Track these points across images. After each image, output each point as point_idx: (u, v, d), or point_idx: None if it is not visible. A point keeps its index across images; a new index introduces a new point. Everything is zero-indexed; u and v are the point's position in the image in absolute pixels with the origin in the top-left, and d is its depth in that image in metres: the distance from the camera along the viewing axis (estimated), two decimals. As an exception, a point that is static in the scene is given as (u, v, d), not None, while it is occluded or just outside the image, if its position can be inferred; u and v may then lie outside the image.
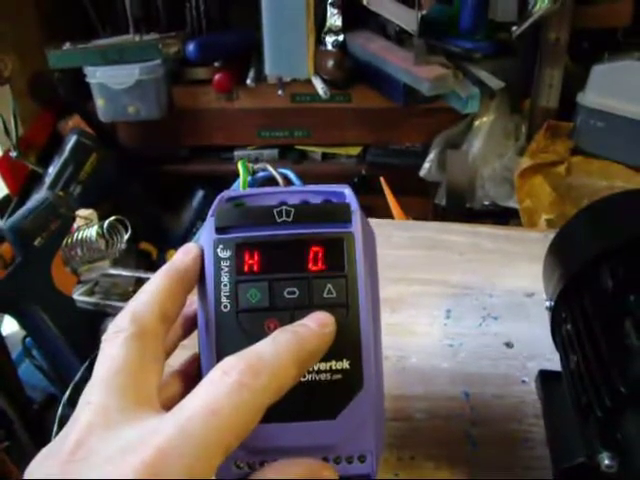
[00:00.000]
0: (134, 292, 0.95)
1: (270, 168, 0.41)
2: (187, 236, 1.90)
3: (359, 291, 0.35)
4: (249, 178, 0.41)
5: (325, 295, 0.35)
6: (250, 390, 0.28)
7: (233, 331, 0.35)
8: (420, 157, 1.66)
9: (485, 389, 0.58)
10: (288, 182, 0.41)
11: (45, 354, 0.98)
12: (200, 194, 1.91)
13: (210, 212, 0.37)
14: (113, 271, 1.08)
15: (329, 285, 0.35)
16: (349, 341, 0.35)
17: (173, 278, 0.35)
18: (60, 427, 0.85)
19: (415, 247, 0.83)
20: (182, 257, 0.36)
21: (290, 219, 0.36)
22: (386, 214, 1.53)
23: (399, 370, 0.61)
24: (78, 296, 1.02)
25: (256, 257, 0.36)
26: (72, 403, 0.81)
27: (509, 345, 0.64)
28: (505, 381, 0.59)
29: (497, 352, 0.63)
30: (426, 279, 0.76)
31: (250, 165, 0.42)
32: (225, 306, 0.35)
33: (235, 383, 0.28)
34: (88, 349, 0.95)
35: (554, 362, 0.48)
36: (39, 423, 0.95)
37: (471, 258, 0.80)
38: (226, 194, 0.39)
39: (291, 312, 0.35)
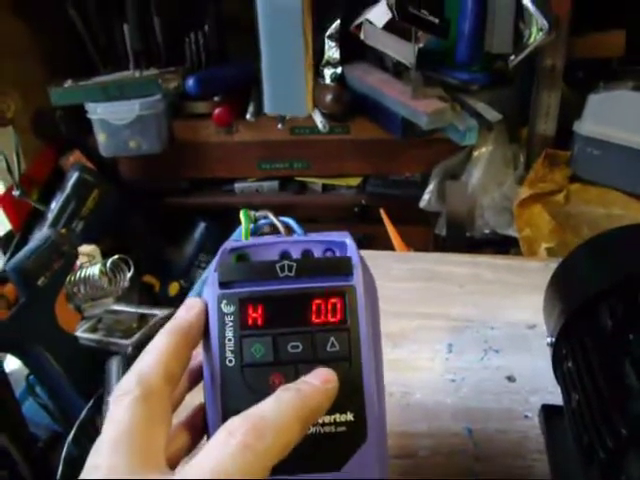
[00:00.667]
0: (138, 328, 0.95)
1: (272, 216, 0.41)
2: (189, 268, 1.90)
3: (361, 344, 0.36)
4: (251, 226, 0.42)
5: (328, 349, 0.36)
6: (254, 452, 0.28)
7: (238, 386, 0.35)
8: (419, 187, 1.67)
9: (488, 424, 0.58)
10: (290, 230, 0.42)
11: (48, 392, 0.98)
12: (202, 226, 1.91)
13: (213, 266, 0.38)
14: (116, 307, 1.09)
15: (332, 338, 0.36)
16: (352, 393, 0.35)
17: (177, 337, 0.35)
18: (65, 467, 0.85)
19: (415, 279, 0.84)
20: (185, 314, 0.37)
21: (292, 274, 0.37)
22: (387, 244, 1.54)
23: (403, 406, 0.61)
24: (81, 333, 1.02)
25: (260, 311, 0.36)
26: (77, 442, 0.81)
27: (511, 379, 0.64)
28: (508, 416, 0.59)
29: (499, 386, 0.63)
30: (427, 313, 0.76)
31: (252, 213, 0.42)
32: (230, 361, 0.36)
33: (240, 445, 0.28)
34: (91, 387, 0.95)
35: (556, 395, 0.48)
36: (43, 462, 0.94)
37: (471, 290, 0.80)
38: (229, 245, 0.40)
39: (295, 366, 0.35)
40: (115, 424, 0.30)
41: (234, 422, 0.30)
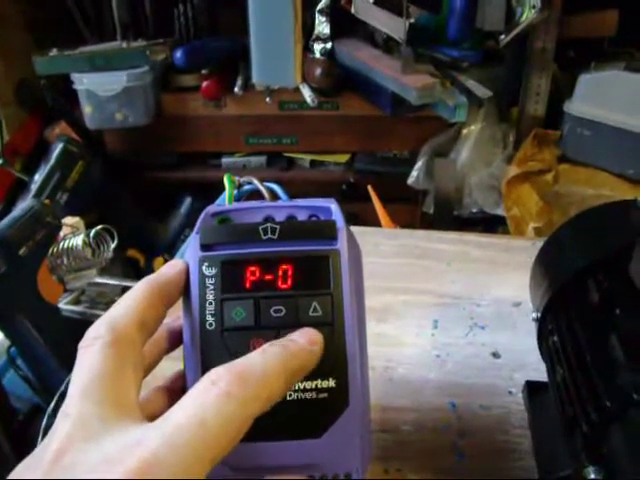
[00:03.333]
0: (120, 301, 0.93)
1: (256, 182, 0.40)
2: (175, 243, 1.89)
3: (345, 309, 0.35)
4: (235, 191, 0.41)
5: (311, 313, 0.35)
6: (238, 400, 0.28)
7: (218, 350, 0.35)
8: (408, 165, 1.66)
9: (472, 400, 0.57)
10: (274, 196, 0.41)
11: (30, 364, 0.97)
12: (188, 201, 1.90)
13: (195, 229, 0.37)
14: (100, 280, 1.08)
15: (315, 303, 0.35)
16: (335, 359, 0.34)
17: (153, 288, 0.34)
18: (45, 438, 0.84)
19: (402, 256, 0.83)
20: (166, 270, 0.36)
21: (276, 236, 0.36)
22: (374, 221, 1.53)
23: (386, 381, 0.60)
24: (64, 305, 1.01)
25: (241, 274, 0.36)
26: (57, 413, 0.80)
27: (496, 355, 0.64)
28: (492, 392, 0.58)
29: (484, 362, 0.63)
30: (413, 288, 0.76)
31: (236, 178, 0.41)
32: (210, 324, 0.35)
33: (223, 393, 0.28)
34: (73, 359, 0.94)
35: (541, 372, 0.48)
36: (23, 434, 0.94)
37: (458, 267, 0.80)
38: (211, 209, 0.39)
39: (277, 331, 0.35)
40: (84, 370, 0.29)
41: (217, 371, 0.29)
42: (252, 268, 0.36)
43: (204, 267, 0.36)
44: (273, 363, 0.30)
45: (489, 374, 0.61)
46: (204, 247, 0.36)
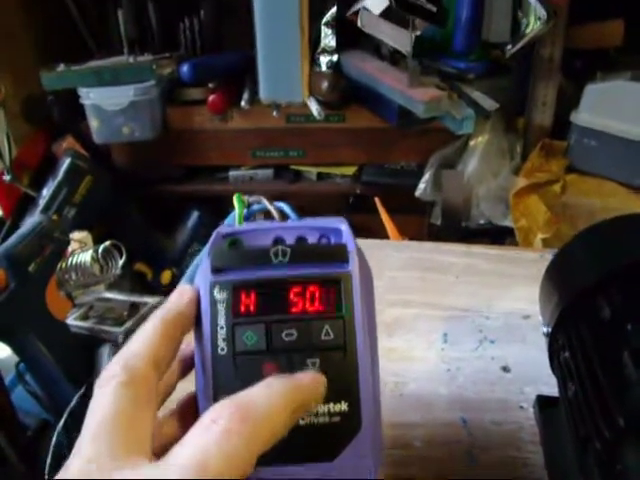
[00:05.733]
0: (129, 316, 0.95)
1: (265, 201, 0.40)
2: (182, 256, 1.89)
3: (357, 332, 0.35)
4: (244, 211, 0.41)
5: (323, 337, 0.35)
6: (240, 437, 0.28)
7: (230, 374, 0.35)
8: (415, 176, 1.66)
9: (483, 415, 0.57)
10: (284, 215, 0.41)
11: (38, 380, 0.97)
12: (195, 214, 1.91)
13: (206, 251, 0.37)
14: (108, 295, 1.08)
15: (327, 327, 0.35)
16: (347, 383, 0.34)
17: (167, 323, 0.34)
18: (54, 455, 0.84)
19: (411, 268, 0.83)
20: (176, 300, 0.36)
21: (286, 260, 0.36)
22: (382, 233, 1.53)
23: (397, 397, 0.60)
24: (72, 320, 1.01)
25: (253, 298, 0.36)
26: (66, 430, 0.80)
27: (506, 369, 0.63)
28: (503, 406, 0.58)
29: (494, 377, 0.62)
30: (422, 302, 0.75)
31: (245, 198, 0.41)
32: (222, 349, 0.35)
33: (224, 430, 0.28)
34: (82, 375, 0.94)
35: (551, 386, 0.48)
36: (32, 450, 0.94)
37: (467, 280, 0.79)
38: (222, 230, 0.39)
39: (289, 355, 0.35)
40: (98, 409, 0.30)
41: (219, 407, 0.29)
42: (263, 292, 0.36)
43: (215, 291, 0.36)
44: (277, 398, 0.30)
45: (500, 388, 0.60)
46: (215, 271, 0.36)
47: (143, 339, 0.33)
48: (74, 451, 0.28)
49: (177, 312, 0.35)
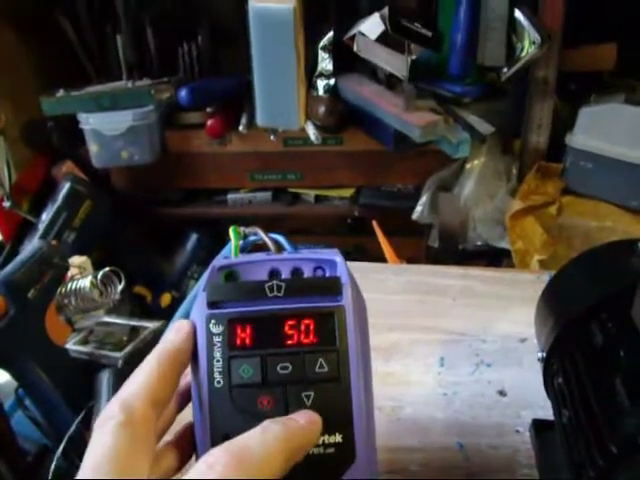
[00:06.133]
0: (129, 341, 0.95)
1: (261, 233, 0.41)
2: (181, 279, 1.90)
3: (350, 364, 0.36)
4: (240, 242, 0.42)
5: (317, 369, 0.35)
6: None
7: (226, 407, 0.35)
8: (412, 199, 1.67)
9: (479, 439, 0.57)
10: (279, 247, 0.41)
11: (38, 405, 0.97)
12: (194, 237, 1.91)
13: (202, 286, 0.38)
14: (108, 319, 1.08)
15: (321, 359, 0.36)
16: (341, 414, 0.35)
17: (164, 361, 0.35)
18: (53, 481, 0.84)
19: (408, 292, 0.83)
20: (173, 337, 0.36)
21: (281, 294, 0.37)
22: (379, 255, 1.53)
23: (394, 421, 0.60)
24: (72, 345, 1.01)
25: (248, 332, 0.36)
26: (66, 456, 0.80)
27: (502, 393, 0.64)
28: (499, 431, 0.58)
29: (491, 401, 0.63)
30: (419, 325, 0.76)
31: (241, 229, 0.42)
32: (218, 382, 0.35)
33: (219, 478, 0.28)
34: (82, 400, 0.94)
35: (547, 409, 0.48)
36: (32, 476, 0.94)
37: (464, 303, 0.80)
38: (218, 263, 0.39)
39: (284, 387, 0.35)
40: (97, 449, 0.30)
41: (214, 454, 0.29)
42: (258, 325, 0.36)
43: (211, 325, 0.36)
44: (273, 443, 0.31)
45: (496, 413, 0.61)
46: (211, 305, 0.37)
47: (141, 379, 0.34)
48: None
49: (175, 349, 0.36)
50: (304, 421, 0.33)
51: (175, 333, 0.37)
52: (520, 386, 0.64)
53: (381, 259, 1.51)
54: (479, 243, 1.59)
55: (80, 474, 0.29)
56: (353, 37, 1.49)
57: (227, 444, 0.30)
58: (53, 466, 0.79)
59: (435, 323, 0.76)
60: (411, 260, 1.52)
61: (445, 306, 0.80)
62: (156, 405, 0.33)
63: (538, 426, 0.52)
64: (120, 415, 0.31)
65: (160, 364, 0.35)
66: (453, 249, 1.61)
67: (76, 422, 0.87)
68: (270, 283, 0.37)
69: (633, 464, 0.32)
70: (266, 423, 0.32)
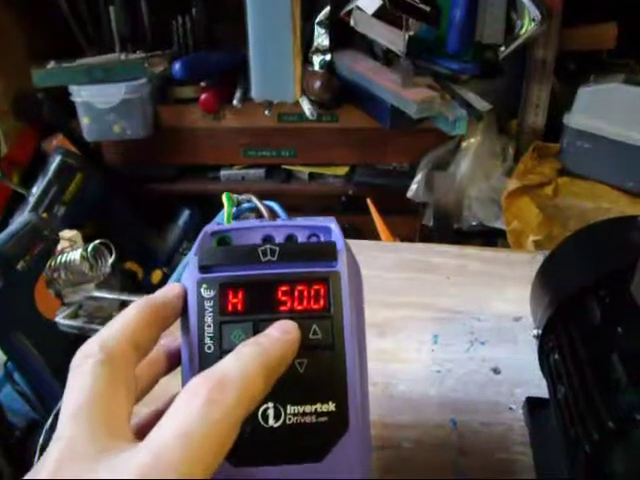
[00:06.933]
0: (118, 315, 0.93)
1: (255, 200, 0.40)
2: (173, 256, 1.89)
3: (345, 332, 0.35)
4: (234, 209, 0.41)
5: (310, 336, 0.35)
6: (221, 406, 0.28)
7: None
8: (407, 177, 1.66)
9: (473, 417, 0.57)
10: (274, 214, 0.40)
11: (27, 379, 0.97)
12: (186, 213, 1.90)
13: (194, 250, 0.37)
14: (97, 294, 1.07)
15: (314, 326, 0.35)
16: (335, 383, 0.34)
17: (149, 309, 0.34)
18: (42, 454, 0.83)
19: (402, 270, 0.83)
20: (162, 292, 0.36)
21: (275, 258, 0.36)
22: (373, 234, 1.53)
23: (387, 397, 0.60)
24: (61, 319, 1.00)
25: (240, 297, 0.35)
26: (54, 430, 0.79)
27: (496, 371, 0.63)
28: (493, 408, 0.58)
29: (484, 378, 0.62)
30: (413, 303, 0.75)
31: (235, 196, 0.41)
32: (209, 347, 0.34)
33: (204, 402, 0.28)
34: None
35: (541, 388, 0.48)
36: (20, 450, 0.93)
37: (458, 281, 0.79)
38: (210, 228, 0.38)
39: None
40: (76, 391, 0.29)
41: (195, 382, 0.29)
42: (251, 290, 0.35)
43: (202, 289, 0.35)
44: (249, 363, 0.30)
45: (490, 390, 0.60)
46: (202, 269, 0.36)
47: (123, 321, 0.33)
48: (54, 436, 0.28)
49: (160, 302, 0.35)
50: (278, 333, 0.33)
51: (165, 290, 0.36)
52: (514, 364, 0.64)
53: (375, 238, 1.50)
54: (474, 223, 1.58)
55: (61, 419, 0.28)
56: (350, 12, 1.48)
57: (204, 373, 0.29)
58: (41, 440, 0.78)
59: (429, 301, 0.75)
60: (405, 239, 1.51)
61: (439, 284, 0.79)
62: (136, 348, 0.32)
63: (532, 404, 0.53)
64: (99, 353, 0.30)
65: (143, 312, 0.33)
66: (448, 228, 1.60)
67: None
68: (263, 247, 0.36)
69: (629, 439, 0.32)
70: (239, 347, 0.32)
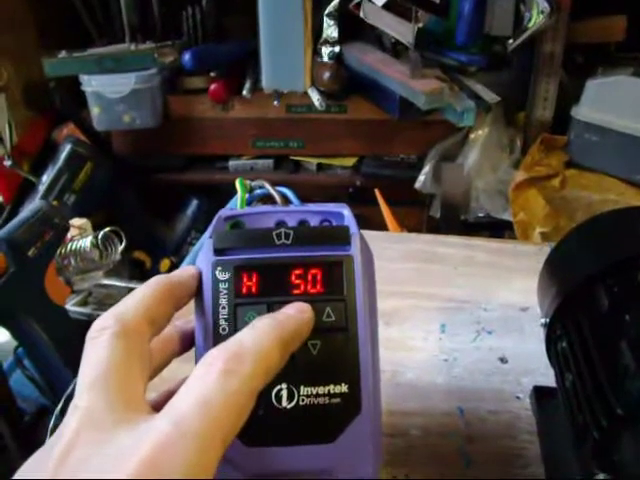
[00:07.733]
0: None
1: (268, 186, 0.40)
2: (181, 245, 1.89)
3: (358, 315, 0.35)
4: (247, 195, 0.41)
5: (324, 319, 0.35)
6: (238, 376, 0.28)
7: None
8: (415, 169, 1.66)
9: (480, 405, 0.57)
10: (286, 200, 0.41)
11: (37, 365, 0.97)
12: (194, 203, 1.91)
13: (208, 233, 0.37)
14: (107, 281, 1.08)
15: (328, 309, 0.35)
16: (348, 365, 0.34)
17: (164, 287, 0.34)
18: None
19: (409, 260, 0.83)
20: (178, 272, 0.36)
21: (289, 241, 0.36)
22: (381, 225, 1.53)
23: (394, 385, 0.60)
24: (71, 306, 1.01)
25: (255, 279, 0.36)
26: (64, 415, 0.80)
27: (503, 360, 0.63)
28: (500, 397, 0.58)
29: (492, 367, 0.62)
30: (421, 293, 0.75)
31: (248, 182, 0.41)
32: (224, 329, 0.35)
33: (222, 372, 0.28)
34: (80, 360, 0.94)
35: (548, 377, 0.48)
36: (30, 435, 0.94)
37: (465, 271, 0.80)
38: (224, 213, 0.39)
39: None
40: (92, 362, 0.29)
41: (212, 353, 0.29)
42: (265, 273, 0.36)
43: (217, 271, 0.36)
44: (265, 335, 0.31)
45: (497, 379, 0.61)
46: (217, 251, 0.36)
47: (139, 296, 0.33)
48: (71, 407, 0.28)
49: (176, 281, 0.35)
50: (293, 311, 0.34)
51: (180, 271, 0.36)
52: (521, 353, 0.64)
53: (383, 229, 1.50)
54: (481, 214, 1.59)
55: (78, 389, 0.29)
56: (359, 4, 1.48)
57: (221, 345, 0.30)
58: (51, 426, 0.79)
59: (436, 291, 0.76)
60: (412, 230, 1.51)
61: (446, 274, 0.79)
62: (151, 321, 0.32)
63: (539, 393, 0.53)
64: (115, 326, 0.30)
65: (159, 289, 0.34)
66: (455, 220, 1.60)
67: (74, 383, 0.87)
68: (278, 231, 0.36)
69: (638, 425, 0.32)
70: (254, 321, 0.32)
